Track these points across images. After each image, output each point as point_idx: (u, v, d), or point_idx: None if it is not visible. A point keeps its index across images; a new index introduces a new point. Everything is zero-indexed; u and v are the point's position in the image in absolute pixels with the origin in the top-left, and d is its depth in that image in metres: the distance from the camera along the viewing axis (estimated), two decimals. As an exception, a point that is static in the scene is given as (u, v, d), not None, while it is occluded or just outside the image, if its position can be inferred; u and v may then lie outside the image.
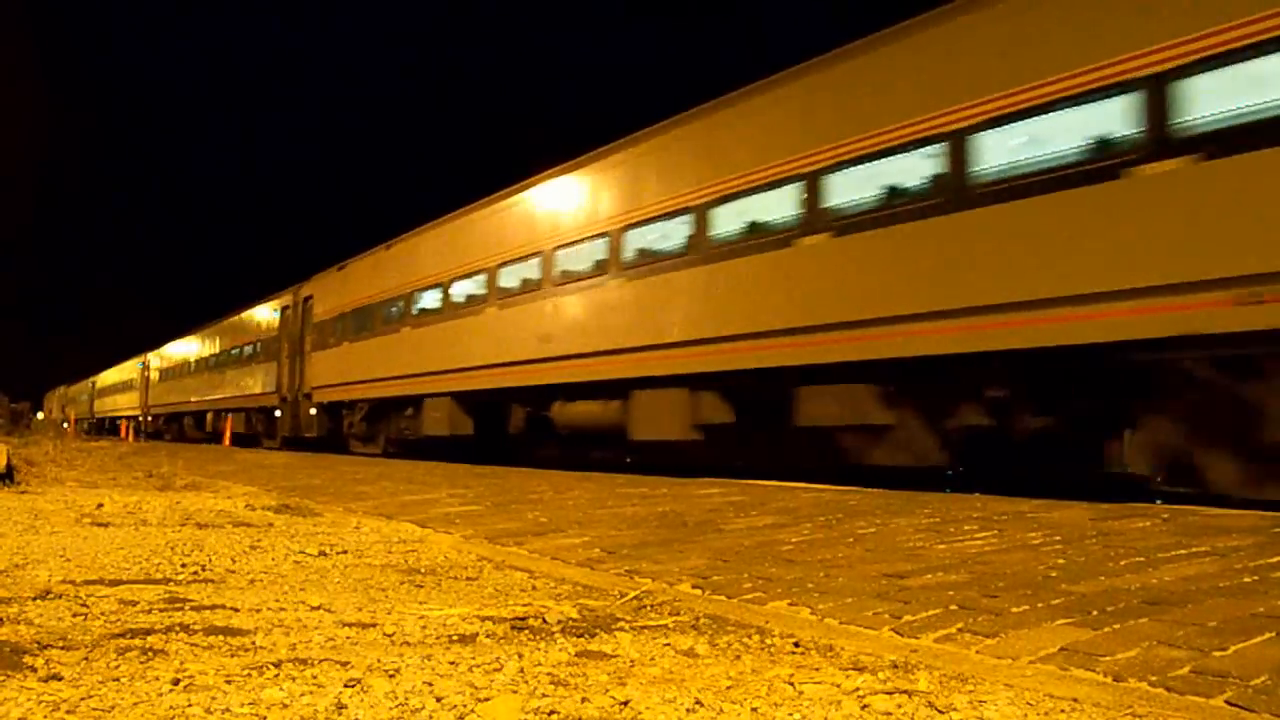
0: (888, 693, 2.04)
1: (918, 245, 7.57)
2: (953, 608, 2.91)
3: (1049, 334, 6.60)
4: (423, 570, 3.92)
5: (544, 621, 2.82)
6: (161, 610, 2.87)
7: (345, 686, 2.02)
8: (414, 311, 15.62)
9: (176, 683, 2.02)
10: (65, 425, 37.13)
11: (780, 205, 8.75)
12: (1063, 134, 6.67)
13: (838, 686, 2.10)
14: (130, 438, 33.59)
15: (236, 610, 2.90)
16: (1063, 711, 1.93)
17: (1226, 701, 2.00)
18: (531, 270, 12.48)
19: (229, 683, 2.03)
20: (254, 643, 2.45)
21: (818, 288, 8.35)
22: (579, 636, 2.63)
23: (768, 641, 2.58)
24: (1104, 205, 6.42)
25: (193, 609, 2.91)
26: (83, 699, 1.89)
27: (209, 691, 1.96)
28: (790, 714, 1.91)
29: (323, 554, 4.33)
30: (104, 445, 21.84)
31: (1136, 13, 6.34)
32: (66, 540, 4.57)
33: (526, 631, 2.70)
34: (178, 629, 2.58)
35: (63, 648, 2.32)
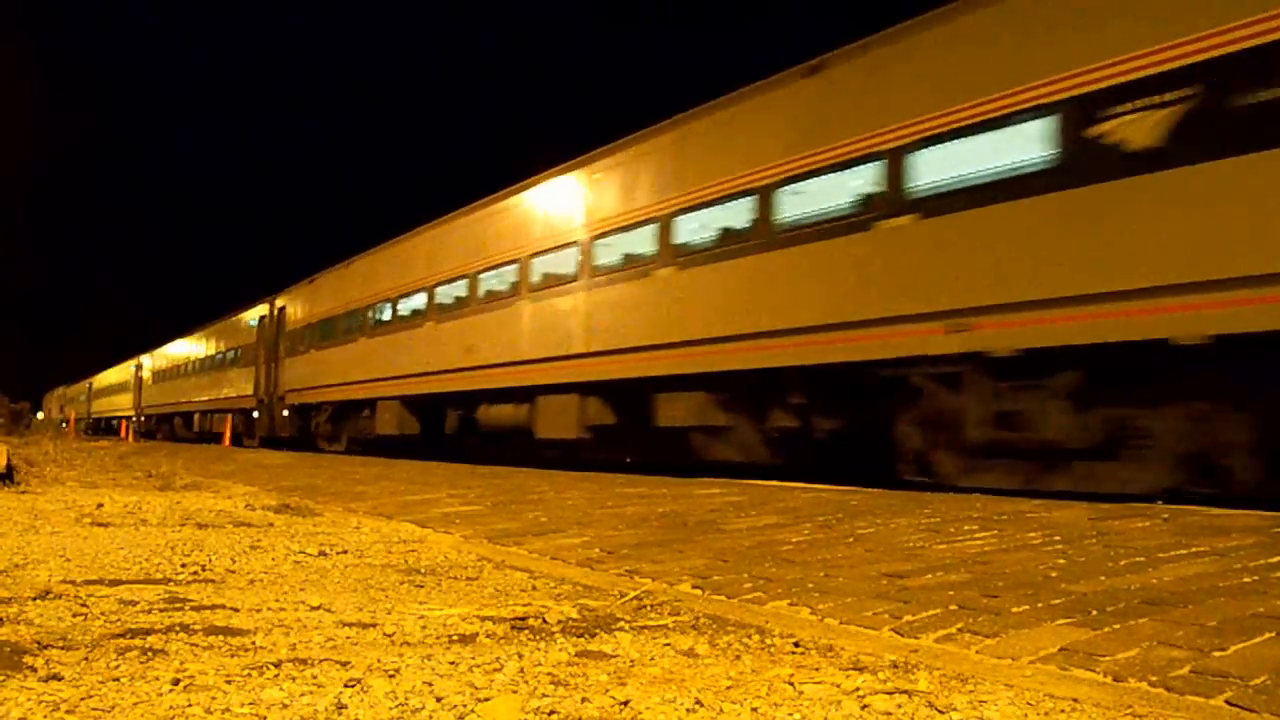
0: (888, 693, 2.04)
1: (733, 278, 9.40)
2: (953, 608, 2.91)
3: (818, 354, 8.40)
4: (423, 570, 3.92)
5: (544, 621, 2.82)
6: (161, 610, 2.88)
7: (345, 686, 2.02)
8: (369, 323, 17.71)
9: (176, 683, 2.02)
10: (65, 425, 37.30)
11: (642, 242, 10.62)
12: (832, 193, 8.55)
13: (838, 686, 2.10)
14: (130, 438, 33.69)
15: (236, 610, 2.90)
16: (1063, 711, 1.93)
17: (1226, 701, 2.00)
18: (461, 289, 14.51)
19: (229, 683, 2.03)
20: (254, 643, 2.45)
21: (669, 311, 10.11)
22: (579, 636, 2.63)
23: (768, 641, 2.58)
24: (858, 251, 8.17)
25: (193, 609, 2.91)
26: (83, 699, 1.89)
27: (209, 691, 1.96)
28: (790, 714, 1.91)
29: (323, 554, 4.33)
30: (104, 445, 21.84)
31: (879, 98, 8.21)
32: (66, 540, 4.57)
33: (526, 631, 2.70)
34: (178, 629, 2.58)
35: (63, 648, 2.32)
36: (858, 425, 8.45)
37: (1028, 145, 6.93)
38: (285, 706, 1.88)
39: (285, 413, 21.52)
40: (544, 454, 12.40)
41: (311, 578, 3.67)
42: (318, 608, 2.98)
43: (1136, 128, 6.31)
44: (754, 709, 1.93)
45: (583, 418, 11.33)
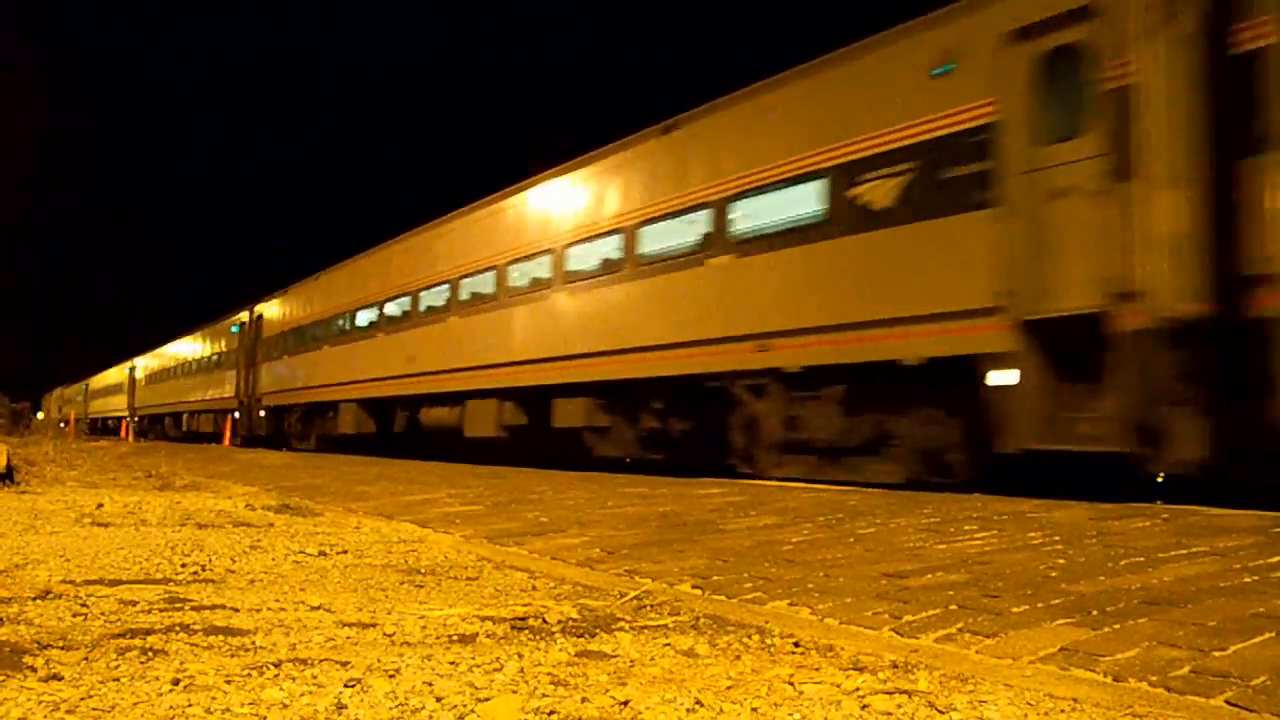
0: (888, 693, 2.04)
1: (607, 301, 11.28)
2: (953, 608, 2.91)
3: (667, 368, 10.26)
4: (423, 570, 3.92)
5: (544, 621, 2.82)
6: (161, 610, 2.88)
7: (345, 686, 2.02)
8: (333, 332, 19.50)
9: (176, 683, 2.02)
10: (64, 425, 37.53)
11: (541, 268, 12.56)
12: (678, 234, 10.32)
13: (838, 686, 2.10)
14: (130, 438, 33.87)
15: (236, 610, 2.90)
16: (1063, 711, 1.93)
17: (1226, 701, 2.00)
18: (405, 304, 16.43)
19: (229, 683, 2.03)
20: (254, 643, 2.45)
21: (560, 329, 12.05)
22: (579, 636, 2.63)
23: (768, 641, 2.58)
24: (694, 282, 9.97)
25: (193, 609, 2.91)
26: (83, 699, 1.90)
27: (209, 691, 1.96)
28: (790, 714, 1.91)
29: (323, 554, 4.33)
30: (104, 445, 21.85)
31: (711, 155, 10.09)
32: (66, 540, 4.57)
33: (526, 631, 2.70)
34: (178, 629, 2.58)
35: (63, 648, 2.32)
36: (703, 426, 10.14)
37: (808, 202, 8.72)
38: (285, 706, 1.88)
39: (262, 413, 23.42)
40: (473, 448, 14.37)
41: (311, 578, 3.67)
42: (318, 608, 2.98)
43: (876, 192, 8.10)
44: (754, 709, 1.93)
45: (500, 419, 13.26)
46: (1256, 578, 3.16)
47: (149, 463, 12.95)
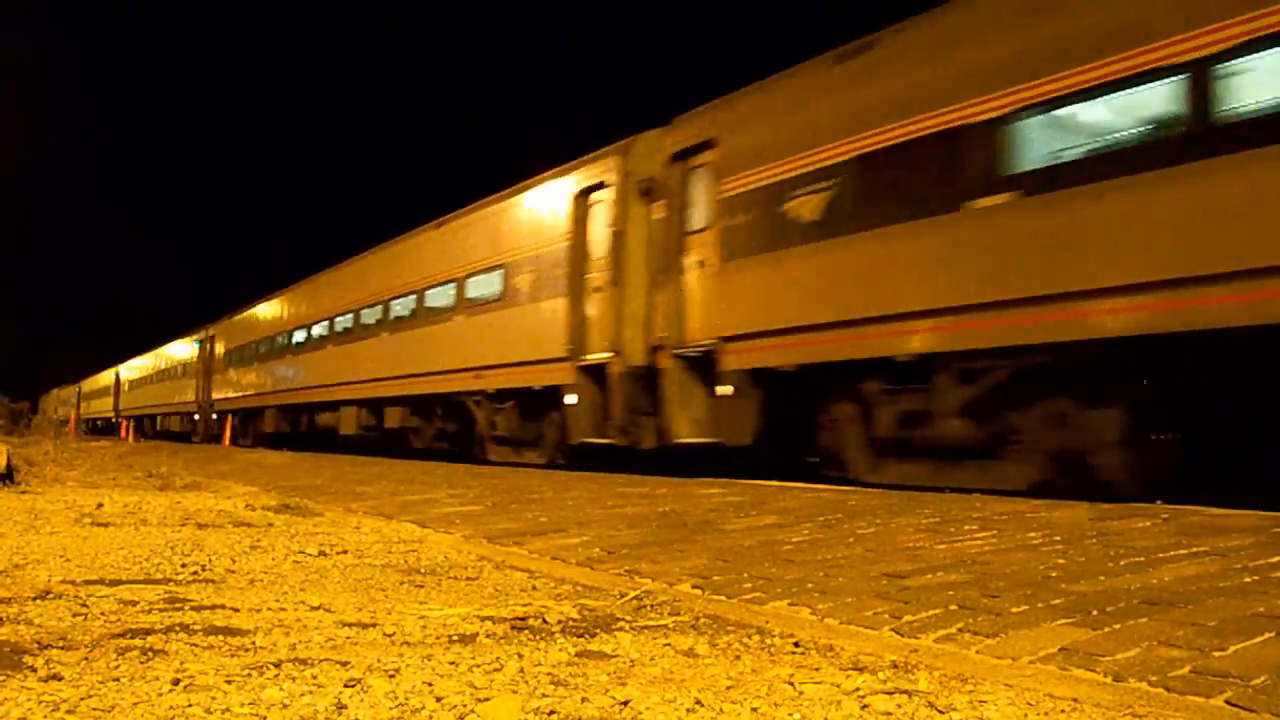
0: (888, 693, 2.04)
1: (408, 339, 15.86)
2: (953, 608, 2.91)
3: (434, 386, 14.65)
4: (423, 570, 3.92)
5: (544, 621, 2.82)
6: (161, 610, 2.88)
7: (345, 686, 2.02)
8: (260, 352, 24.70)
9: (176, 683, 2.02)
10: (65, 425, 37.97)
11: (376, 314, 17.52)
12: (444, 296, 14.94)
13: (838, 686, 2.10)
14: (130, 438, 34.15)
15: (236, 610, 2.90)
16: (1063, 712, 1.93)
17: (1226, 701, 2.00)
18: (302, 335, 21.76)
19: (229, 683, 2.03)
20: (254, 643, 2.45)
21: (388, 358, 16.48)
22: (579, 636, 2.63)
23: (768, 641, 2.58)
24: (449, 330, 14.26)
25: (193, 609, 2.91)
26: (83, 699, 1.89)
27: (209, 691, 1.96)
28: (790, 714, 1.91)
29: (323, 554, 4.33)
30: (104, 445, 21.84)
31: (457, 251, 14.65)
32: (66, 540, 4.57)
33: (526, 631, 2.70)
34: (178, 629, 2.58)
35: (63, 648, 2.32)
36: (461, 428, 14.29)
37: (493, 284, 13.57)
38: (285, 706, 1.88)
39: (214, 416, 28.82)
40: (350, 441, 18.72)
41: (311, 578, 3.67)
42: (318, 608, 2.98)
43: (520, 278, 12.56)
44: (754, 709, 1.93)
45: (359, 421, 17.93)
46: (1256, 578, 3.16)
47: (149, 462, 12.95)
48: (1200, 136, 5.67)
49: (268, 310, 24.89)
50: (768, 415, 8.80)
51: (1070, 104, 6.42)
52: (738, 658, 2.39)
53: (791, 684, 2.12)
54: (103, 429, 42.95)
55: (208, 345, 29.67)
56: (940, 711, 1.92)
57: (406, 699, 1.94)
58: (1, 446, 8.51)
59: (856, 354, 7.73)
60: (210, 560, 4.03)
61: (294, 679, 2.08)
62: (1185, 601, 2.84)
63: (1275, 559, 3.48)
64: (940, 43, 7.46)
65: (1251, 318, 5.38)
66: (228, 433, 26.55)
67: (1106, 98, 6.28)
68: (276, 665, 2.19)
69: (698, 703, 1.96)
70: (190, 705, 1.87)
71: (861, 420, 7.87)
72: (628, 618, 2.92)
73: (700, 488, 7.48)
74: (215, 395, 28.58)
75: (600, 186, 11.10)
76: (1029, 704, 1.97)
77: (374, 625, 2.73)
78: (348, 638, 2.56)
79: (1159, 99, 5.94)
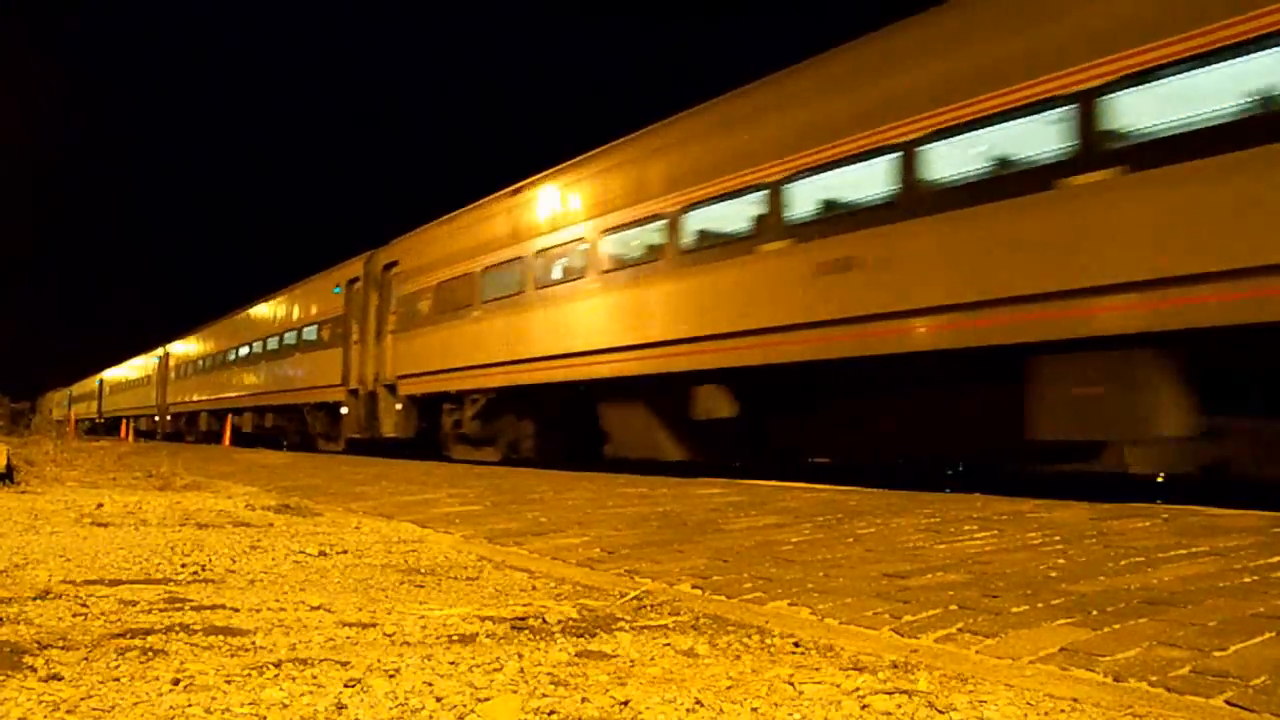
0: (888, 693, 2.04)
1: (275, 368, 23.06)
2: (953, 608, 2.91)
3: (304, 398, 20.94)
4: (423, 570, 3.92)
5: (544, 621, 2.82)
6: (161, 610, 2.88)
7: (345, 686, 2.02)
8: (199, 368, 31.25)
9: (176, 683, 2.02)
10: (64, 425, 38.57)
11: (247, 349, 25.29)
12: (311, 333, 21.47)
13: (838, 686, 2.10)
14: (130, 438, 34.27)
15: (236, 610, 2.90)
16: (1063, 711, 1.93)
17: (1226, 701, 2.00)
18: (231, 355, 27.66)
19: (229, 683, 2.03)
20: (254, 643, 2.45)
21: (264, 376, 23.76)
22: (579, 636, 2.63)
23: (768, 641, 2.58)
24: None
25: (193, 609, 2.91)
26: (83, 699, 1.89)
27: (209, 691, 1.96)
28: (790, 714, 1.91)
29: (323, 554, 4.33)
30: (104, 445, 21.83)
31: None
32: (66, 540, 4.57)
33: (526, 631, 2.70)
34: (178, 629, 2.58)
35: (63, 648, 2.32)
36: (301, 427, 20.98)
37: (309, 334, 21.32)
38: (285, 706, 1.88)
39: (169, 417, 36.04)
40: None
41: (311, 578, 3.67)
42: (318, 608, 2.98)
43: (323, 332, 20.29)
44: (754, 709, 1.93)
45: (258, 422, 24.63)
46: (1256, 578, 3.16)
47: (149, 462, 12.94)
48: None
49: (208, 334, 31.61)
50: (419, 420, 15.46)
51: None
52: (738, 658, 2.39)
53: (791, 684, 2.12)
54: (90, 430, 44.98)
55: (165, 359, 36.81)
56: (940, 711, 1.92)
57: (406, 699, 1.94)
58: (1, 446, 8.51)
59: (449, 387, 14.13)
60: (210, 560, 4.03)
61: (294, 679, 2.08)
62: (1185, 601, 2.84)
63: (1275, 559, 3.48)
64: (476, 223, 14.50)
65: None
66: (227, 433, 26.62)
67: None
68: (276, 665, 2.19)
69: (698, 703, 1.96)
70: (190, 705, 1.87)
71: (453, 422, 14.39)
72: (628, 618, 2.92)
73: (700, 488, 7.48)
74: (169, 400, 35.75)
75: (356, 280, 18.16)
76: (1029, 704, 1.97)
77: (374, 625, 2.73)
78: (348, 638, 2.56)
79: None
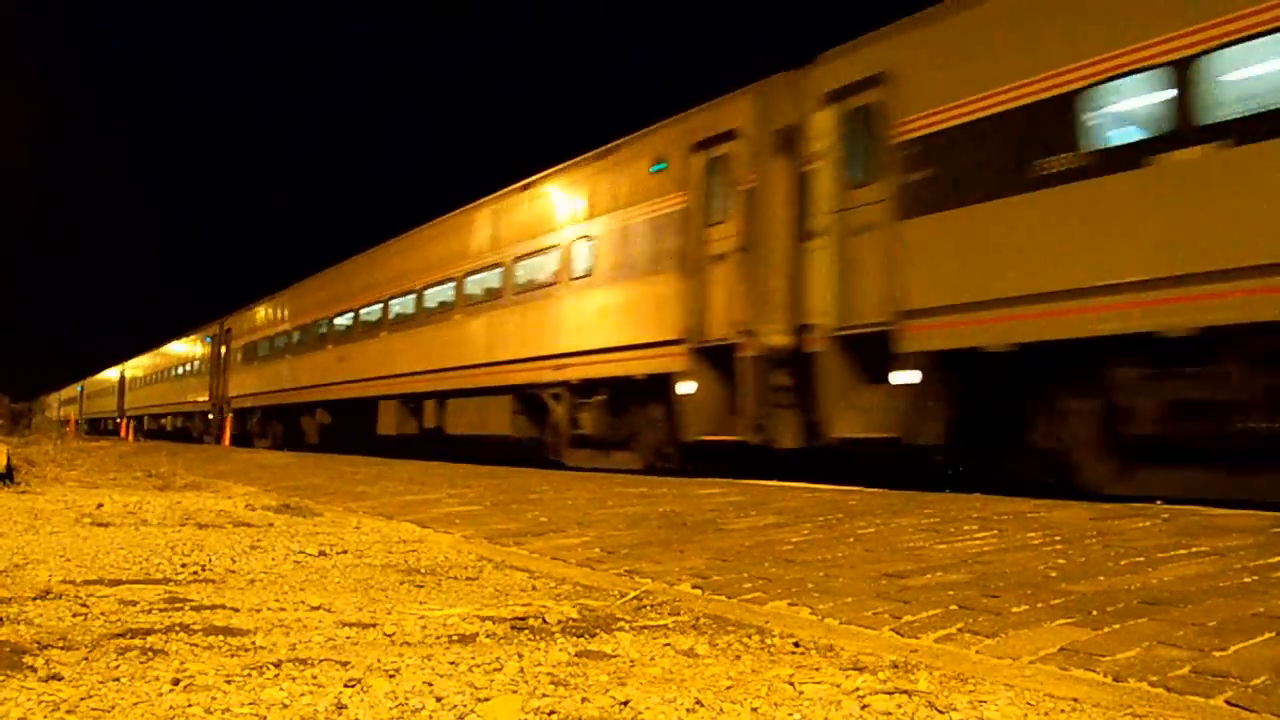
0: (888, 693, 2.04)
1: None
2: (953, 608, 2.91)
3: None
4: (423, 570, 3.92)
5: (544, 621, 2.82)
6: (161, 610, 2.88)
7: (345, 686, 2.02)
8: (142, 380, 39.81)
9: (176, 683, 2.02)
10: (65, 425, 39.54)
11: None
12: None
13: (838, 686, 2.10)
14: (130, 438, 34.47)
15: (236, 610, 2.90)
16: (1063, 711, 1.93)
17: (1226, 701, 2.00)
18: (169, 372, 35.78)
19: (229, 683, 2.03)
20: (254, 643, 2.45)
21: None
22: (579, 636, 2.63)
23: (768, 641, 2.58)
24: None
25: (193, 609, 2.91)
26: (83, 699, 1.89)
27: (209, 691, 1.96)
28: (790, 714, 1.91)
29: (323, 554, 4.33)
30: (104, 445, 21.85)
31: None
32: (66, 540, 4.57)
33: (526, 631, 2.70)
34: (178, 629, 2.58)
35: (63, 648, 2.32)
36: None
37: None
38: (285, 706, 1.88)
39: (128, 420, 41.28)
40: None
41: (311, 578, 3.67)
42: (318, 608, 2.98)
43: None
44: (754, 709, 1.93)
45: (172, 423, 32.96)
46: (1256, 578, 3.16)
47: (149, 462, 12.94)
48: None
49: (149, 359, 38.42)
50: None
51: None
52: (738, 658, 2.39)
53: (791, 684, 2.12)
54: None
55: (122, 375, 44.08)
56: (940, 711, 1.92)
57: (406, 699, 1.94)
58: (1, 446, 8.51)
59: (254, 403, 12.82)
60: (210, 560, 4.03)
61: (294, 679, 2.08)
62: (1185, 601, 2.84)
63: (1275, 559, 3.48)
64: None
65: None
66: (227, 433, 26.63)
67: None
68: (276, 665, 2.19)
69: (698, 703, 1.96)
70: (190, 705, 1.87)
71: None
72: (628, 618, 2.92)
73: (700, 488, 7.48)
74: (127, 405, 42.09)
75: (215, 335, 16.98)
76: (1029, 704, 1.97)
77: (374, 625, 2.73)
78: (348, 638, 2.56)
79: None
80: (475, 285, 14.06)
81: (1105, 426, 6.49)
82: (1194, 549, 3.74)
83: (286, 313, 23.39)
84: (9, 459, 8.23)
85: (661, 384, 9.89)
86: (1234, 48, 5.86)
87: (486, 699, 1.96)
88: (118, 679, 2.05)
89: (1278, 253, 5.55)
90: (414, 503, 6.99)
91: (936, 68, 7.66)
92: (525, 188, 12.98)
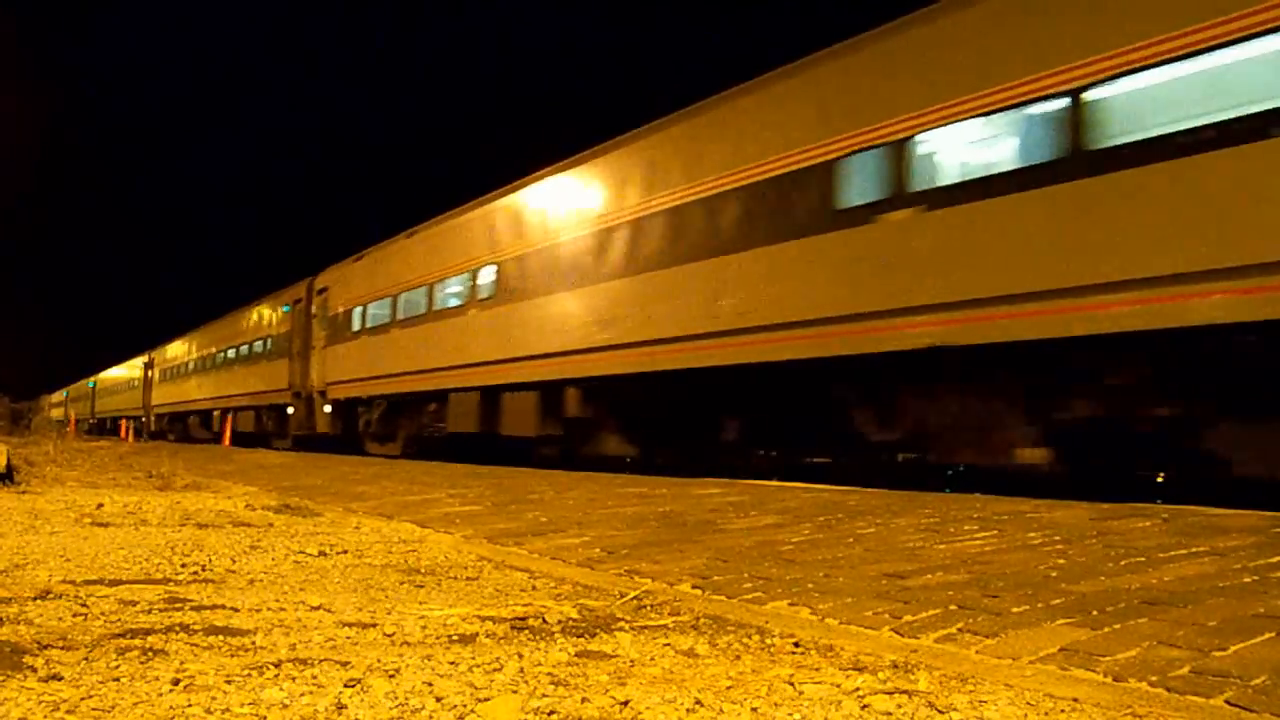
0: (888, 693, 2.04)
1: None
2: (953, 608, 2.91)
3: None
4: (423, 570, 3.92)
5: (544, 621, 2.82)
6: (161, 610, 2.88)
7: (345, 686, 2.02)
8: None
9: (176, 683, 2.02)
10: (65, 425, 39.03)
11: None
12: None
13: (838, 686, 2.10)
14: (130, 438, 34.41)
15: (236, 610, 2.90)
16: (1063, 711, 1.93)
17: (1226, 701, 2.00)
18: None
19: (229, 683, 2.03)
20: (254, 643, 2.45)
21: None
22: (579, 636, 2.63)
23: (768, 641, 2.58)
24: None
25: (193, 609, 2.91)
26: (83, 699, 1.90)
27: (209, 691, 1.96)
28: (790, 714, 1.91)
29: (323, 554, 4.34)
30: (104, 445, 21.85)
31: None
32: (66, 540, 4.57)
33: (526, 631, 2.70)
34: (178, 629, 2.58)
35: (63, 648, 2.32)
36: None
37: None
38: (285, 706, 1.88)
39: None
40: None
41: (311, 578, 3.67)
42: (318, 608, 2.98)
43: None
44: (754, 709, 1.93)
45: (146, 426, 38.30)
46: (1256, 578, 3.16)
47: (149, 462, 12.94)
48: None
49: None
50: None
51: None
52: (738, 658, 2.39)
53: (791, 684, 2.12)
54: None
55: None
56: (940, 711, 1.92)
57: (406, 699, 1.94)
58: (1, 447, 8.51)
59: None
60: (210, 560, 4.03)
61: (294, 679, 2.08)
62: (1185, 601, 2.84)
63: (1275, 559, 3.48)
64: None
65: None
66: (228, 433, 26.56)
67: None
68: (276, 665, 2.19)
69: (698, 703, 1.96)
70: (190, 705, 1.87)
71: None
72: (628, 618, 2.92)
73: (700, 488, 7.48)
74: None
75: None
76: (1029, 704, 1.97)
77: (374, 625, 2.73)
78: (348, 638, 2.56)
79: None
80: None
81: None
82: (1194, 549, 3.74)
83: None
84: (9, 459, 8.23)
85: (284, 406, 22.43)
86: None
87: (486, 699, 1.96)
88: (118, 679, 2.05)
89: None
90: (414, 503, 6.99)
91: (338, 284, 19.82)
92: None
